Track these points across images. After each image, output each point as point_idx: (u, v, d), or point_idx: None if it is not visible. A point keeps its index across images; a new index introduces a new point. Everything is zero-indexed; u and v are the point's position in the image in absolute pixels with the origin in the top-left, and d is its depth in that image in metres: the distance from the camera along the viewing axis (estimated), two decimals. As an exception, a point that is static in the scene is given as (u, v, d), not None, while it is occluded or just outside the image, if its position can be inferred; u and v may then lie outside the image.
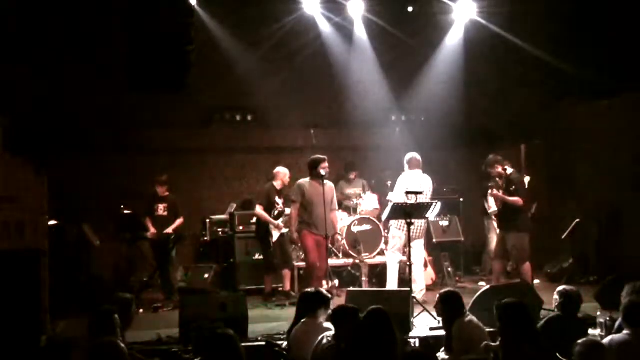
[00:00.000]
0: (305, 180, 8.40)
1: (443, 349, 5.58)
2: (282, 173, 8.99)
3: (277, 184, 8.98)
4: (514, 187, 8.33)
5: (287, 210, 8.80)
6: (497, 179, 8.47)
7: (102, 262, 9.68)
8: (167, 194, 9.36)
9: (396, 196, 8.26)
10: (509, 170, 8.51)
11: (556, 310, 5.70)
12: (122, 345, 4.68)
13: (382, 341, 4.53)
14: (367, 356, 4.53)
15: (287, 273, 8.93)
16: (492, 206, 9.49)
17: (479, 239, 11.11)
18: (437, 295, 5.76)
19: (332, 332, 5.11)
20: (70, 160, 9.97)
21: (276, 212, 8.91)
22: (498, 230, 8.87)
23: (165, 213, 9.27)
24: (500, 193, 8.37)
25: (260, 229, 9.05)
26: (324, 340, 5.06)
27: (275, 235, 8.83)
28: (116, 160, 10.51)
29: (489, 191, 8.57)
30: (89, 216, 9.47)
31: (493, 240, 9.55)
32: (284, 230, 8.82)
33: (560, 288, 5.73)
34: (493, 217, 9.41)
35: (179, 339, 6.55)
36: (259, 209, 8.92)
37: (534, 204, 9.26)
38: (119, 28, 7.98)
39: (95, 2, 9.51)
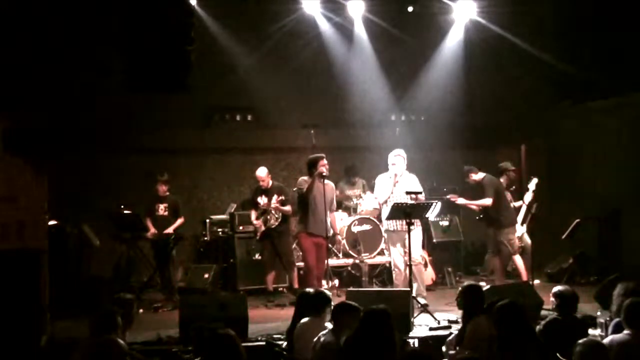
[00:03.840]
0: (305, 178, 8.40)
1: (446, 343, 5.59)
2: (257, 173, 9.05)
3: (261, 184, 9.02)
4: (484, 190, 8.80)
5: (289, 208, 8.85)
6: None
7: (102, 262, 9.68)
8: (167, 194, 9.35)
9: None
10: (481, 175, 8.91)
11: (553, 312, 5.70)
12: (122, 342, 4.67)
13: (382, 340, 4.53)
14: (367, 355, 4.53)
15: (292, 272, 8.92)
16: None
17: (479, 239, 11.10)
18: (460, 288, 5.80)
19: (329, 329, 5.12)
20: (70, 160, 9.97)
21: (259, 211, 8.95)
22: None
23: (166, 213, 9.26)
24: (461, 199, 9.03)
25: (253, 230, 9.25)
26: (322, 338, 5.06)
27: (259, 235, 8.93)
28: (116, 161, 10.51)
29: (452, 200, 9.05)
30: (89, 216, 9.47)
31: None
32: (262, 228, 8.84)
33: (555, 289, 5.73)
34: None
35: (179, 339, 6.54)
36: (251, 212, 9.13)
37: (534, 204, 9.27)
38: (119, 28, 7.98)
39: (95, 2, 9.50)
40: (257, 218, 8.96)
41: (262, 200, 8.95)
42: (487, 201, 8.73)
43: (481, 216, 9.00)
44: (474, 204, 8.92)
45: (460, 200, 9.06)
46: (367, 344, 4.55)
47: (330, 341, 4.98)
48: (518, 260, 8.78)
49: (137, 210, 9.35)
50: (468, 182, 9.09)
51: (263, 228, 8.86)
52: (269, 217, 8.83)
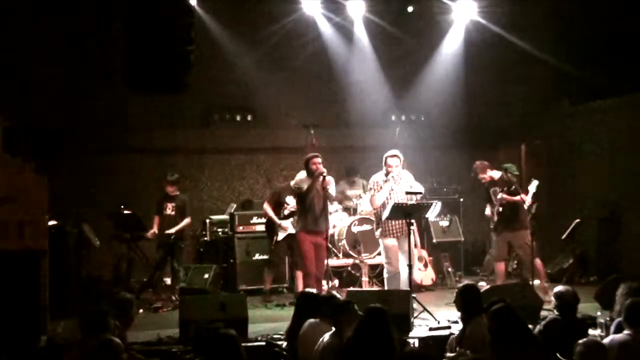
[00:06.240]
0: (302, 177, 8.40)
1: (448, 344, 5.59)
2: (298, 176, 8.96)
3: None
4: (513, 187, 8.42)
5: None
6: (501, 183, 8.50)
7: (102, 262, 9.67)
8: (176, 193, 9.32)
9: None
10: (497, 173, 8.64)
11: (555, 312, 5.70)
12: (119, 341, 4.64)
13: (380, 339, 4.55)
14: (365, 354, 4.54)
15: (299, 274, 8.86)
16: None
17: (479, 239, 11.11)
18: (457, 289, 5.79)
19: (332, 331, 5.13)
20: (70, 160, 9.97)
21: (286, 212, 8.90)
22: (495, 233, 8.75)
23: (173, 212, 9.23)
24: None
25: (267, 226, 9.14)
26: (325, 340, 5.08)
27: (281, 235, 8.82)
28: (116, 160, 10.51)
29: (499, 195, 8.44)
30: (89, 216, 9.46)
31: None
32: (293, 231, 8.80)
33: (556, 289, 5.73)
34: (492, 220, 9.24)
35: (179, 339, 6.54)
36: (266, 206, 8.99)
37: (534, 204, 9.26)
38: (119, 28, 7.98)
39: (95, 2, 9.52)
40: (285, 218, 8.89)
41: (292, 202, 8.89)
42: (523, 198, 8.33)
43: (498, 218, 8.57)
44: (516, 200, 8.36)
45: (505, 196, 8.43)
46: (366, 343, 4.56)
47: (332, 342, 4.99)
48: (538, 262, 8.47)
49: (141, 210, 9.35)
50: (483, 178, 8.68)
51: (290, 230, 8.83)
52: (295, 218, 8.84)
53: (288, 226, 8.81)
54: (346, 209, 10.12)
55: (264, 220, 9.41)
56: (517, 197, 8.36)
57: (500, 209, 8.49)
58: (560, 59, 9.87)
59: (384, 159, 7.99)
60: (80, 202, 9.89)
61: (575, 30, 9.99)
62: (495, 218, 8.62)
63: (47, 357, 6.01)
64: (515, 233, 8.43)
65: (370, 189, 8.10)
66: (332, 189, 8.37)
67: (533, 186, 8.87)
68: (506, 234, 8.53)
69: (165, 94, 9.36)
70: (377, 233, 8.13)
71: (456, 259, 10.39)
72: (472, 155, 11.49)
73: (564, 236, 9.81)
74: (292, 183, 8.93)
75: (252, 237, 9.54)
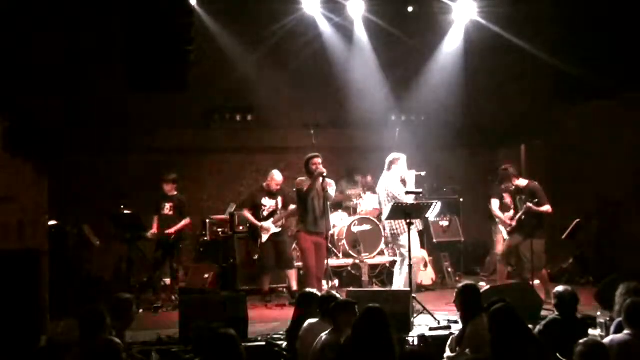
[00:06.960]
0: (303, 179, 8.41)
1: (449, 344, 5.59)
2: (269, 176, 9.01)
3: (267, 185, 8.99)
4: (538, 196, 8.35)
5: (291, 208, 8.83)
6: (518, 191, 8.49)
7: (102, 262, 9.68)
8: (174, 193, 9.28)
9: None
10: (524, 182, 8.55)
11: (555, 312, 5.71)
12: (118, 341, 4.64)
13: (378, 339, 4.55)
14: (364, 353, 4.55)
15: (291, 273, 8.87)
16: (496, 211, 9.12)
17: (479, 239, 11.10)
18: (457, 289, 5.78)
19: (330, 329, 5.13)
20: (70, 160, 9.96)
21: (265, 213, 8.92)
22: (507, 236, 8.80)
23: (171, 212, 9.20)
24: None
25: (250, 230, 9.20)
26: (322, 338, 5.08)
27: (264, 236, 8.84)
28: (116, 161, 10.51)
29: (525, 205, 8.32)
30: (89, 216, 9.47)
31: (499, 242, 9.54)
32: (275, 230, 8.83)
33: (556, 289, 5.74)
34: (499, 222, 9.26)
35: (179, 339, 6.55)
36: (246, 212, 9.08)
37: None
38: (119, 28, 7.99)
39: (95, 2, 9.51)
40: (265, 219, 8.92)
41: (269, 202, 8.93)
42: (550, 208, 8.34)
43: (517, 223, 8.48)
44: (543, 211, 8.32)
45: (535, 208, 8.31)
46: (364, 343, 4.56)
47: (330, 341, 4.99)
48: (545, 275, 8.48)
49: (141, 209, 9.35)
50: (508, 186, 8.67)
51: (272, 230, 8.85)
52: (277, 218, 8.85)
53: (270, 227, 8.83)
54: (346, 209, 10.12)
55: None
56: (544, 208, 8.34)
57: (523, 217, 8.41)
58: (560, 59, 9.85)
59: (392, 160, 8.03)
60: (80, 202, 9.91)
61: (575, 30, 9.97)
62: (514, 223, 8.56)
63: (47, 357, 6.03)
64: (530, 241, 8.29)
65: (398, 196, 7.88)
66: (331, 191, 8.39)
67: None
68: (520, 240, 8.47)
69: (165, 94, 9.37)
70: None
71: (456, 259, 10.41)
72: (472, 155, 11.56)
73: (564, 236, 9.81)
74: (264, 184, 9.04)
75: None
